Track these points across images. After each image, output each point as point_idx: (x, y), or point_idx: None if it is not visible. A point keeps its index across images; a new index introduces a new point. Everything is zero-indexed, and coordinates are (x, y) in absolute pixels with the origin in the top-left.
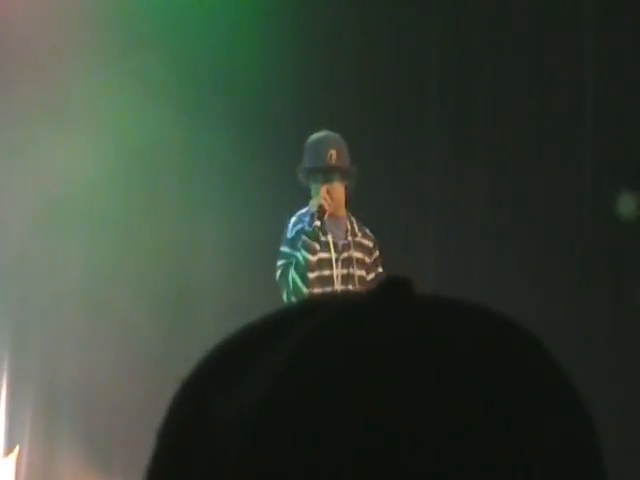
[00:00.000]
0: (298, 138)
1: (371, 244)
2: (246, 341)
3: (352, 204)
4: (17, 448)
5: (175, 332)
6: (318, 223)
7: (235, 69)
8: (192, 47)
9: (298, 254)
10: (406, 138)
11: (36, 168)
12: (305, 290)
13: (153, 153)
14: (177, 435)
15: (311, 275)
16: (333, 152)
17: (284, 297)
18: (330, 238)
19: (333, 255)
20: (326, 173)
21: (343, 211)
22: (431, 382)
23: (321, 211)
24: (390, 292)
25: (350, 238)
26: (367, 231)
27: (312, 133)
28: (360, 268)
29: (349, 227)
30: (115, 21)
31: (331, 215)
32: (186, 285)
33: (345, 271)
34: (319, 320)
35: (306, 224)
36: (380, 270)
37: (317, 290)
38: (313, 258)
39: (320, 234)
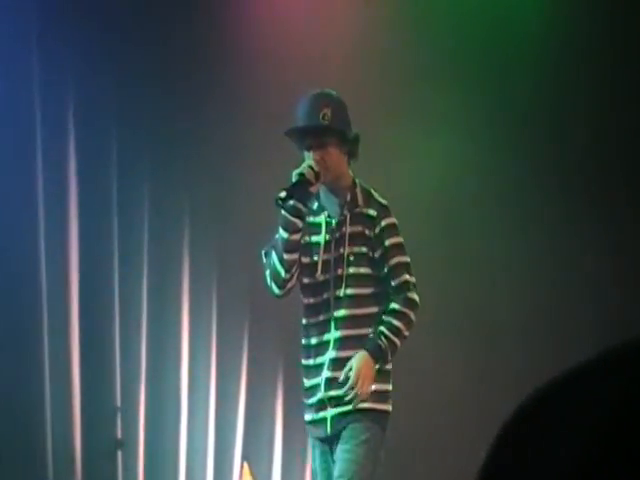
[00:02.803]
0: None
1: (375, 213)
2: (559, 393)
3: None
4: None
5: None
6: (290, 201)
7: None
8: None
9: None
10: None
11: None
12: (284, 274)
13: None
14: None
15: (288, 257)
16: (327, 111)
17: (267, 280)
18: (323, 217)
19: (323, 237)
20: (319, 136)
21: (345, 181)
22: None
23: (303, 181)
24: None
25: (347, 212)
26: (377, 198)
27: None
28: (357, 244)
29: (349, 198)
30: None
31: (330, 187)
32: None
33: (336, 254)
34: (633, 378)
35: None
36: (392, 242)
37: (303, 279)
38: (292, 237)
39: (302, 210)
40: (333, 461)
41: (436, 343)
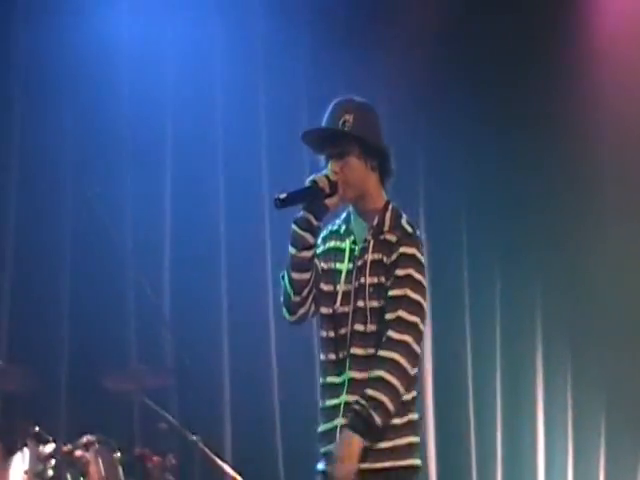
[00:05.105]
0: None
1: (394, 238)
2: None
3: None
4: None
5: None
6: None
7: None
8: None
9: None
10: None
11: None
12: (292, 296)
13: None
14: None
15: (297, 276)
16: (349, 117)
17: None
18: (348, 242)
19: (345, 265)
20: (337, 143)
21: (374, 203)
22: None
23: (314, 189)
24: None
25: (370, 238)
26: (404, 223)
27: None
28: (378, 274)
29: (376, 222)
30: None
31: (358, 209)
32: None
33: (356, 284)
34: None
35: (336, 221)
36: (404, 272)
37: (322, 309)
38: (300, 254)
39: (312, 223)
40: None
41: None
